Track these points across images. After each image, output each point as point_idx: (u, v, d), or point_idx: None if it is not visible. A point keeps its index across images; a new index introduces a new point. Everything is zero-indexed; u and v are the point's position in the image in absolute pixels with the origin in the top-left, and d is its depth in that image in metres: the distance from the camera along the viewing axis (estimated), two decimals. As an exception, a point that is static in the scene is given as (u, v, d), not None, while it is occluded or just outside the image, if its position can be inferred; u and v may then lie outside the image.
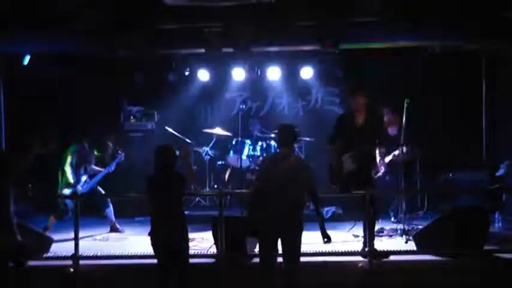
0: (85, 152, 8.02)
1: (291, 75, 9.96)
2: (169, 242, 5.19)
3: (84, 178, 7.93)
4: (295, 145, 7.04)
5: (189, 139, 9.75)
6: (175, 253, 5.20)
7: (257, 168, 5.44)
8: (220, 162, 9.94)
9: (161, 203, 5.24)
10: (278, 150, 5.51)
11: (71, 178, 7.78)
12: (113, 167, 8.21)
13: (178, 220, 5.26)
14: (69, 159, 7.86)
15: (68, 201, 7.56)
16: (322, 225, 5.25)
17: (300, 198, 5.19)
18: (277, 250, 5.15)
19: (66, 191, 7.71)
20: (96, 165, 8.22)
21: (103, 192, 8.14)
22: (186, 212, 5.47)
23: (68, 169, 7.80)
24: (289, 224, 5.08)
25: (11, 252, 5.30)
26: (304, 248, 6.30)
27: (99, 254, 6.66)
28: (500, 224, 7.95)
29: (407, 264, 6.28)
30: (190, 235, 5.37)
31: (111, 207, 8.12)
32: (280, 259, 5.17)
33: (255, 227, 5.16)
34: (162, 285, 5.22)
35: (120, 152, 8.35)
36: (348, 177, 6.56)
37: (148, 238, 5.27)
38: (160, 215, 5.25)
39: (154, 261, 5.34)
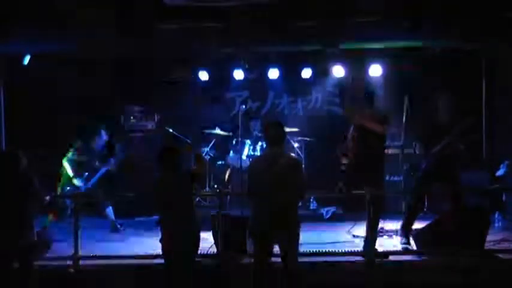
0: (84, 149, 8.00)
1: (291, 75, 9.95)
2: (180, 247, 5.16)
3: (85, 174, 7.92)
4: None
5: (189, 139, 9.74)
6: (185, 257, 5.19)
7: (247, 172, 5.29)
8: (220, 162, 9.93)
9: (172, 205, 5.18)
10: (267, 150, 5.40)
11: (70, 172, 7.80)
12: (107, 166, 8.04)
13: (190, 223, 5.21)
14: (69, 155, 7.88)
15: (67, 199, 7.56)
16: None
17: (295, 198, 5.23)
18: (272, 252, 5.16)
19: (74, 182, 7.77)
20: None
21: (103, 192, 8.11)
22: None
23: (66, 164, 7.83)
24: (287, 225, 5.07)
25: (22, 251, 5.32)
26: (304, 248, 6.35)
27: (99, 254, 6.65)
28: (500, 224, 7.94)
29: (407, 264, 6.27)
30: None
31: (111, 207, 8.11)
32: (277, 259, 5.18)
33: (254, 229, 5.17)
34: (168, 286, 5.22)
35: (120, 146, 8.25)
36: (349, 177, 6.52)
37: (149, 238, 5.27)
38: (172, 219, 5.19)
39: (155, 261, 5.34)
